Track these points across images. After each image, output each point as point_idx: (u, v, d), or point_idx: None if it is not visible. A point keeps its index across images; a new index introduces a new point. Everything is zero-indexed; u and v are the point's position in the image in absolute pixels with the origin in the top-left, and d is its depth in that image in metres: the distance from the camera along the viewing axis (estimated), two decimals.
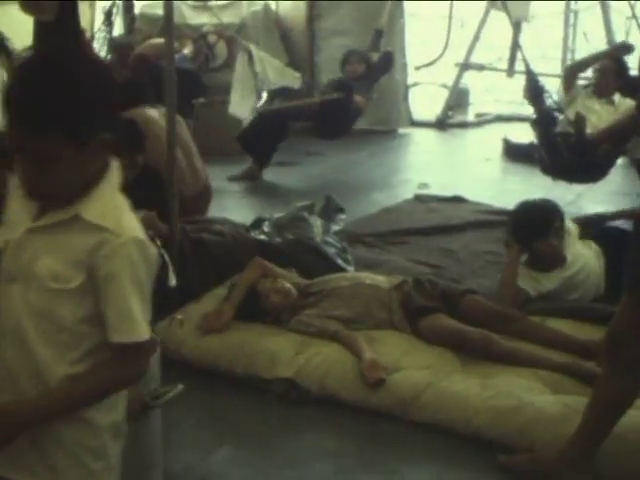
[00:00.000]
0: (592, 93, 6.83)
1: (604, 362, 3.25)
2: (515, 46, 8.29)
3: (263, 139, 7.75)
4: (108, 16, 8.13)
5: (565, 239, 4.81)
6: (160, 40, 7.55)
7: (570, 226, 4.97)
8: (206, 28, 9.17)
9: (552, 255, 4.75)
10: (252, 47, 7.87)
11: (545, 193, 7.16)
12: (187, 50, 8.75)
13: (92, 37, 8.28)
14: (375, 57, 8.57)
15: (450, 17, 10.09)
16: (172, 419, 3.46)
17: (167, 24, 4.54)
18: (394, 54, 8.78)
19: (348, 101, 7.97)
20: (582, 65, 7.29)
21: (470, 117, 10.52)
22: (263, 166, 7.83)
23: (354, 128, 8.71)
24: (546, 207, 4.90)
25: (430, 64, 10.53)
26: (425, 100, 10.65)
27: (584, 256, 4.82)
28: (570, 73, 7.15)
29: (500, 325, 4.20)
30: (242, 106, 7.49)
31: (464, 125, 10.24)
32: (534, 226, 4.78)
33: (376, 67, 8.51)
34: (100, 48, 8.18)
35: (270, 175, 7.81)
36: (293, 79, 8.06)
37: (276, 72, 8.00)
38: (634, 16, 7.99)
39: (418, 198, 7.05)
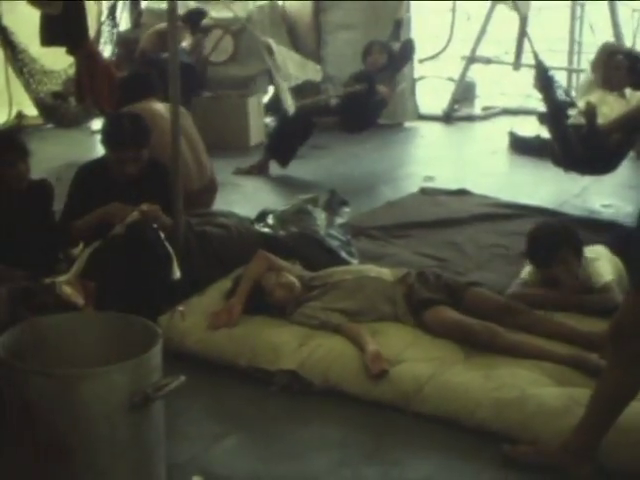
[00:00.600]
0: (604, 88, 6.81)
1: (609, 354, 3.24)
2: (521, 39, 8.28)
3: (290, 139, 7.74)
4: (112, 11, 8.14)
5: (586, 268, 4.63)
6: (153, 30, 7.60)
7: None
8: (205, 22, 9.16)
9: (556, 285, 4.66)
10: (271, 41, 7.83)
11: (552, 186, 7.20)
12: (185, 43, 8.73)
13: (99, 32, 8.30)
14: (396, 47, 8.54)
15: (454, 10, 10.06)
16: (176, 410, 3.48)
17: (170, 18, 4.55)
18: (414, 42, 8.72)
19: (371, 92, 7.94)
20: (618, 50, 7.21)
21: (477, 110, 10.51)
22: (286, 165, 7.80)
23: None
24: (555, 232, 4.73)
25: (433, 57, 10.51)
26: (432, 93, 10.64)
27: None
28: (603, 51, 7.06)
29: (504, 318, 4.19)
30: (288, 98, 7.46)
31: (471, 118, 10.23)
32: (538, 253, 4.68)
33: (398, 57, 8.49)
34: (106, 43, 8.19)
35: (276, 169, 7.82)
36: (315, 72, 8.00)
37: (297, 66, 7.94)
38: None
39: (424, 191, 7.04)
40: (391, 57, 8.38)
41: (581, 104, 6.47)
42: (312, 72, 7.85)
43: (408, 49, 8.66)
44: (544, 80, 6.55)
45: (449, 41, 10.23)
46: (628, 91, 6.66)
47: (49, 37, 6.59)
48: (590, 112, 6.11)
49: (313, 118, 7.86)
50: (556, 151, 6.58)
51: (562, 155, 6.52)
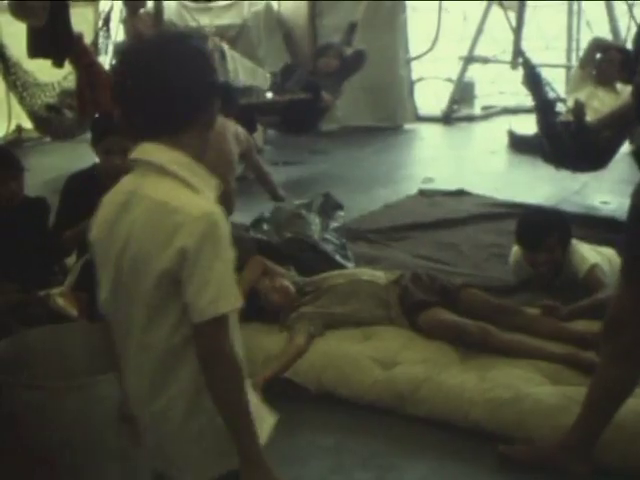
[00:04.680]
0: (596, 82, 6.80)
1: (603, 349, 3.22)
2: (518, 37, 8.25)
3: None
4: (106, 22, 8.13)
5: (569, 261, 4.64)
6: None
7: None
8: (208, 29, 9.15)
9: (536, 273, 4.73)
10: (224, 46, 8.01)
11: (550, 184, 7.17)
12: None
13: (96, 42, 8.28)
14: (348, 52, 8.44)
15: (439, 10, 10.03)
16: None
17: (157, 20, 4.54)
18: (366, 53, 8.48)
19: (316, 101, 7.97)
20: (611, 45, 7.24)
21: (476, 110, 10.48)
22: None
23: (358, 125, 8.74)
24: (547, 219, 4.81)
25: (418, 57, 10.40)
26: (430, 95, 10.61)
27: None
28: (593, 46, 7.08)
29: (499, 318, 4.17)
30: None
31: (470, 118, 10.21)
32: (526, 235, 4.74)
33: (349, 64, 8.38)
34: (101, 54, 8.19)
35: (276, 175, 7.79)
36: (264, 79, 8.18)
37: (247, 71, 8.12)
38: None
39: (422, 193, 7.03)
40: (343, 63, 8.29)
41: (570, 101, 6.46)
42: (261, 79, 8.08)
43: (360, 59, 8.46)
44: (532, 77, 6.54)
45: (435, 40, 10.18)
46: (619, 85, 6.65)
47: (35, 49, 6.58)
48: (578, 109, 6.09)
49: (255, 115, 7.85)
50: (546, 148, 6.56)
51: (552, 152, 6.50)
